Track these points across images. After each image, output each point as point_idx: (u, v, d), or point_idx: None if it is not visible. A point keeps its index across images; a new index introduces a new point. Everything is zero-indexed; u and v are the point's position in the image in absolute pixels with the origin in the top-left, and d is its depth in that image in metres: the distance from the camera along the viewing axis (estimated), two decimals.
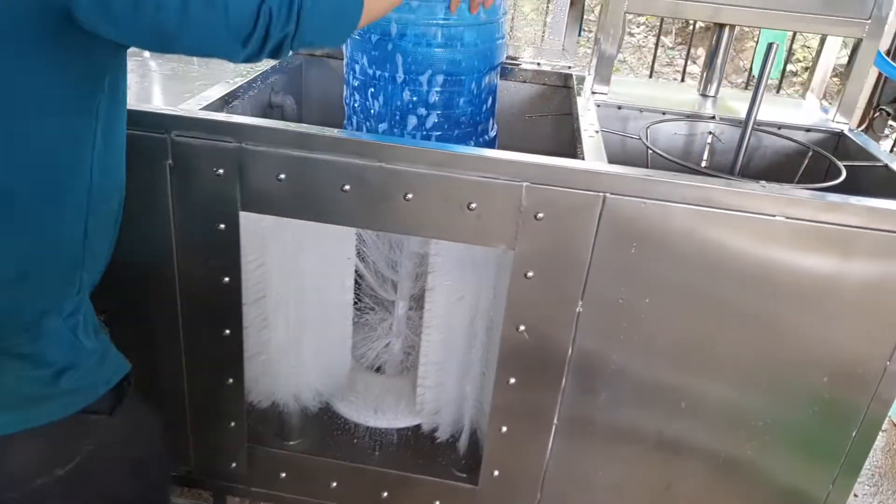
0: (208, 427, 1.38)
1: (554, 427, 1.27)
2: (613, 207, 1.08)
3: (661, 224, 1.09)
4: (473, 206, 1.10)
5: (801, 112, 1.60)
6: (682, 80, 3.03)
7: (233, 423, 1.36)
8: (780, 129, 1.48)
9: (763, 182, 1.08)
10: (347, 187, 1.10)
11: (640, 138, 1.32)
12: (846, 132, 1.49)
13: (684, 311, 1.15)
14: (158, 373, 1.31)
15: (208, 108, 1.19)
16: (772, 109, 1.56)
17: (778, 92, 2.95)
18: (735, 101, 1.63)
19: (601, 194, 1.07)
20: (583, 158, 1.15)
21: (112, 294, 0.98)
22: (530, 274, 1.14)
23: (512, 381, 1.23)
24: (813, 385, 1.18)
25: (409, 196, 1.10)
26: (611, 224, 1.09)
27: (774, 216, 1.06)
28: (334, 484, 1.43)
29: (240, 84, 1.32)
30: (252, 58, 0.83)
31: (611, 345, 1.19)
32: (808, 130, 1.49)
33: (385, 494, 1.42)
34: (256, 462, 1.42)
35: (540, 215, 1.09)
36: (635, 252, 1.11)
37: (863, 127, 2.87)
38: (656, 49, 2.90)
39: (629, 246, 1.11)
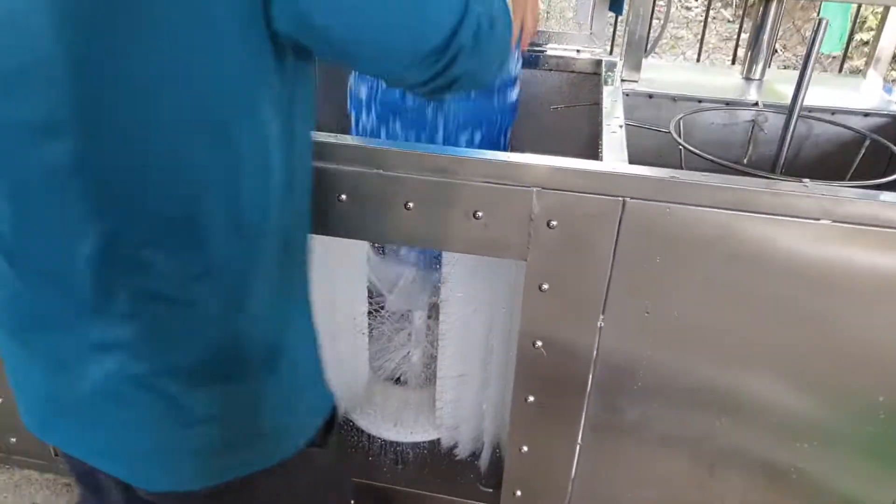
0: None
1: (578, 446, 1.18)
2: (634, 213, 0.97)
3: (688, 230, 0.97)
4: (480, 214, 1.01)
5: (860, 94, 1.44)
6: (733, 61, 2.82)
7: None
8: (833, 114, 1.32)
9: (806, 180, 0.95)
10: (344, 197, 1.03)
11: (669, 131, 1.19)
12: None
13: (716, 324, 1.04)
14: None
15: None
16: (825, 92, 1.40)
17: (841, 70, 2.71)
18: (784, 84, 1.48)
19: (620, 199, 0.97)
20: (601, 158, 1.05)
21: None
22: (545, 286, 1.04)
23: (530, 398, 1.14)
24: (868, 404, 1.06)
25: (411, 205, 1.02)
26: (632, 231, 0.99)
27: (819, 219, 0.93)
28: (352, 503, 1.38)
29: None
30: (417, 87, 0.69)
31: (637, 360, 1.09)
32: (866, 115, 1.33)
33: None
34: None
35: (553, 223, 1.00)
36: (661, 261, 1.00)
37: None
38: (705, 26, 2.70)
39: (654, 254, 1.00)
